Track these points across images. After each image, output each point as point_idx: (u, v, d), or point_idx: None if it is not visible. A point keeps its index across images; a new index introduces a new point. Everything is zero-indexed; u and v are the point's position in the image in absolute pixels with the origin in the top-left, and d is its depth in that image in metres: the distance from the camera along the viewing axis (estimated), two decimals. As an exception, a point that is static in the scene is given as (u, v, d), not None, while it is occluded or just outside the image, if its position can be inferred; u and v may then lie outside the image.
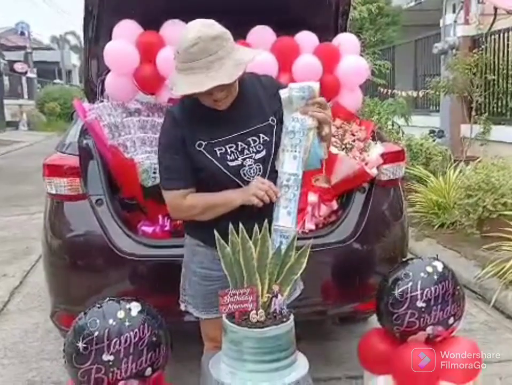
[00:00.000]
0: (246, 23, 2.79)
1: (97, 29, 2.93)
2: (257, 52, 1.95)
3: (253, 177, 1.92)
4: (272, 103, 1.98)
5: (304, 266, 1.82)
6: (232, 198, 1.88)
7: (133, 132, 2.85)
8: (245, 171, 1.91)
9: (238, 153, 1.92)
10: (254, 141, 1.93)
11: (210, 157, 1.90)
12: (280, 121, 1.92)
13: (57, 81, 32.84)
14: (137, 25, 2.88)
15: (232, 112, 1.93)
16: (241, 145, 1.92)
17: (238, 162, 1.91)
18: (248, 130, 1.93)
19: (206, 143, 1.91)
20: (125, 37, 2.85)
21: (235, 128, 1.93)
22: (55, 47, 38.78)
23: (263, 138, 1.94)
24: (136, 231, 2.70)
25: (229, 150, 1.91)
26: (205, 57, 1.74)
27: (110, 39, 2.85)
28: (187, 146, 1.91)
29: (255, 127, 1.94)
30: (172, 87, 1.86)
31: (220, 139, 1.91)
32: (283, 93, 1.85)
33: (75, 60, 38.28)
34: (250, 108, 1.97)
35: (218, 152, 1.91)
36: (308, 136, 1.83)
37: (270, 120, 1.95)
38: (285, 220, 1.85)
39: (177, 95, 1.91)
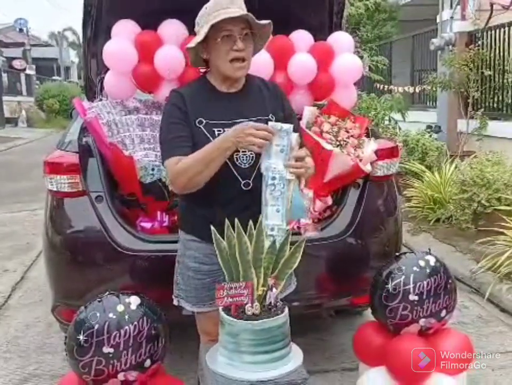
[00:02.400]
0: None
1: (96, 28, 2.97)
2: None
3: (245, 164, 1.98)
4: (273, 104, 2.08)
5: (298, 260, 1.87)
6: (221, 145, 1.86)
7: (132, 130, 2.89)
8: (238, 156, 1.97)
9: None
10: None
11: (208, 135, 1.96)
12: (278, 121, 1.97)
13: (55, 77, 32.77)
14: (135, 24, 2.92)
15: (235, 99, 2.03)
16: None
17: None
18: (248, 119, 1.99)
19: (206, 121, 1.98)
20: (123, 36, 2.88)
21: (236, 114, 1.99)
22: (53, 44, 38.67)
23: None
24: (135, 227, 2.74)
25: None
26: (233, 7, 1.89)
27: (109, 38, 2.89)
28: (189, 122, 1.97)
29: (255, 118, 2.00)
30: (196, 39, 1.95)
31: (220, 122, 1.98)
32: None
33: (73, 56, 38.24)
34: (253, 101, 2.05)
35: (216, 132, 1.97)
36: (288, 187, 1.86)
37: (269, 116, 2.02)
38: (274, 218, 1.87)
39: (201, 37, 1.93)
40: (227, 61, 1.94)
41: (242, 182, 1.99)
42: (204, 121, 1.98)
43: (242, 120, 1.99)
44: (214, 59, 1.99)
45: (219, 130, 1.97)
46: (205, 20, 1.92)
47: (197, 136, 1.96)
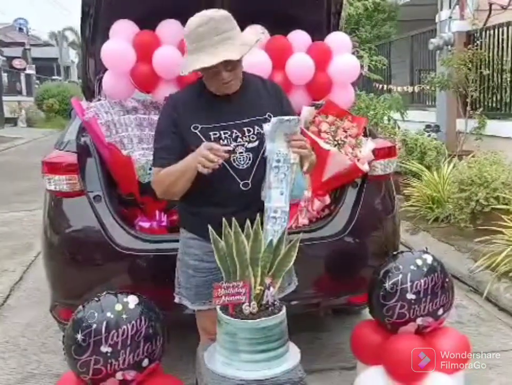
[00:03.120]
0: (239, 23, 2.83)
1: (94, 28, 2.97)
2: (259, 36, 2.06)
3: (243, 165, 1.99)
4: (271, 103, 2.09)
5: (294, 258, 1.88)
6: (188, 161, 1.93)
7: (130, 129, 2.90)
8: (235, 158, 1.99)
9: (231, 139, 1.99)
10: (249, 131, 2.01)
11: (204, 140, 1.97)
12: None
13: (55, 77, 32.77)
14: (134, 25, 2.92)
15: (232, 101, 2.03)
16: (235, 133, 2.00)
17: (230, 148, 1.97)
18: (245, 120, 2.01)
19: (201, 126, 2.00)
20: (122, 36, 2.89)
21: (233, 116, 2.01)
22: (53, 44, 38.65)
23: (257, 130, 2.01)
24: (133, 227, 2.75)
25: (223, 136, 1.99)
26: (212, 36, 1.87)
27: (107, 38, 2.89)
28: (182, 129, 2.00)
29: (252, 119, 2.02)
30: (182, 70, 1.98)
31: (216, 125, 1.99)
32: (266, 126, 1.91)
33: (73, 56, 38.20)
34: (250, 102, 2.06)
35: (212, 136, 1.98)
36: (291, 169, 1.90)
37: (267, 115, 2.03)
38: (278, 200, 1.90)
39: (187, 74, 1.98)
40: (217, 86, 1.98)
41: (241, 183, 2.00)
42: (199, 126, 2.00)
43: (238, 122, 2.01)
44: (205, 82, 2.03)
45: (215, 134, 1.99)
46: (189, 50, 1.94)
47: (194, 141, 1.96)
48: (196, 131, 1.99)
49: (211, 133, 1.99)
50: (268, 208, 1.89)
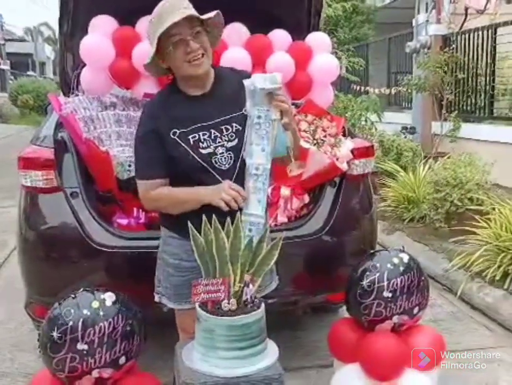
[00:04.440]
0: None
1: (73, 23, 2.94)
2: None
3: (224, 165, 1.97)
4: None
5: (275, 257, 1.87)
6: (200, 197, 1.92)
7: (108, 126, 2.87)
8: (216, 159, 1.97)
9: (210, 140, 1.97)
10: (227, 129, 1.99)
11: (183, 144, 1.95)
12: None
13: (30, 73, 32.27)
14: (113, 20, 2.90)
15: (207, 101, 2.00)
16: (214, 133, 1.97)
17: (210, 150, 1.96)
18: (221, 118, 1.99)
19: (180, 131, 1.96)
20: (101, 31, 2.86)
21: (209, 115, 1.98)
22: (28, 39, 38.09)
23: (235, 127, 1.99)
24: (111, 224, 2.73)
25: (202, 137, 1.97)
26: (175, 11, 1.86)
27: (86, 33, 2.86)
28: (163, 137, 1.96)
29: (229, 116, 1.99)
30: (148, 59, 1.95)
31: (194, 127, 1.97)
32: (246, 83, 1.88)
33: (48, 52, 37.65)
34: (225, 98, 2.02)
35: (191, 140, 1.96)
36: (273, 126, 1.88)
37: (243, 110, 1.99)
38: (254, 207, 1.89)
39: (152, 53, 1.93)
40: (185, 62, 1.92)
41: None
42: (178, 131, 1.97)
43: (215, 120, 1.98)
44: (173, 66, 1.97)
45: (194, 137, 1.96)
46: (153, 33, 1.91)
47: (173, 147, 1.94)
48: (175, 137, 1.96)
49: (190, 137, 1.96)
50: (249, 165, 1.88)
